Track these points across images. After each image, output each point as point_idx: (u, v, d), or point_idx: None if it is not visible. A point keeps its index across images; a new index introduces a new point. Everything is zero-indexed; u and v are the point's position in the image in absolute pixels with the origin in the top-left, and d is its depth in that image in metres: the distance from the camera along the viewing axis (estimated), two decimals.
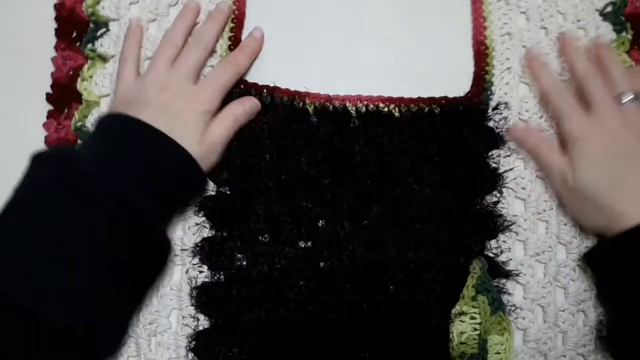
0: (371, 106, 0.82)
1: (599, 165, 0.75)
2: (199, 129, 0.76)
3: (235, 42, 0.85)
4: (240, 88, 0.83)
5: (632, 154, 0.75)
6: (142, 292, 0.74)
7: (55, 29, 0.85)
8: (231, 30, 0.86)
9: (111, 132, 0.72)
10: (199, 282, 0.78)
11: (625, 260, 0.73)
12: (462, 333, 0.74)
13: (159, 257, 0.72)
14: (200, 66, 0.81)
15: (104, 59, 0.84)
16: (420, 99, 0.82)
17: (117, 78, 0.80)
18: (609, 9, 0.86)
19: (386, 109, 0.82)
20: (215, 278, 0.78)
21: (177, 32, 0.82)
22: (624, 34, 0.86)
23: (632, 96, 0.76)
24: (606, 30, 0.85)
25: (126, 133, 0.72)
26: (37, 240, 0.62)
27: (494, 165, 0.81)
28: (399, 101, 0.82)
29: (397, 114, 0.82)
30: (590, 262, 0.78)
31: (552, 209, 0.81)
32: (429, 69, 0.85)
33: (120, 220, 0.65)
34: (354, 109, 0.82)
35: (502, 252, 0.79)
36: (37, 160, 0.68)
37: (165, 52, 0.80)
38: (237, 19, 0.86)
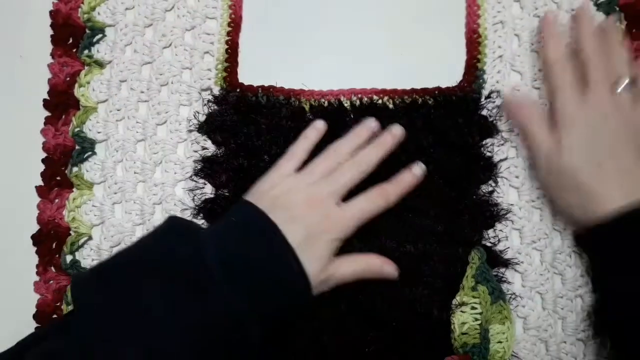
0: (365, 99, 0.83)
1: (584, 145, 0.75)
2: (327, 255, 0.71)
3: (232, 45, 0.86)
4: (236, 92, 0.84)
5: (617, 139, 0.75)
6: None
7: (51, 36, 0.86)
8: (228, 34, 0.86)
9: (246, 228, 0.70)
10: None
11: (611, 245, 0.74)
12: (463, 324, 0.75)
13: None
14: (351, 187, 0.75)
15: (100, 64, 0.85)
16: (413, 90, 0.83)
17: (275, 166, 0.77)
18: None
19: (380, 101, 0.83)
20: None
21: (349, 144, 0.79)
22: (617, 23, 0.85)
23: (627, 82, 0.76)
24: (600, 20, 0.85)
25: (258, 235, 0.69)
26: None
27: (488, 154, 0.81)
28: (392, 93, 0.83)
29: (391, 105, 0.83)
30: (580, 243, 0.78)
31: (545, 196, 0.81)
32: (422, 59, 0.86)
33: (221, 327, 0.64)
34: (348, 103, 0.82)
35: (499, 241, 0.80)
36: (172, 228, 0.70)
37: (326, 162, 0.77)
38: (234, 23, 0.87)
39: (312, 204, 0.72)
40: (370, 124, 0.78)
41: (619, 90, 0.76)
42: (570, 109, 0.76)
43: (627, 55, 0.78)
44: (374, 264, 0.75)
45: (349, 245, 0.76)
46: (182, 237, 0.67)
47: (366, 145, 0.77)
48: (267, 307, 0.66)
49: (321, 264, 0.70)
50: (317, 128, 0.79)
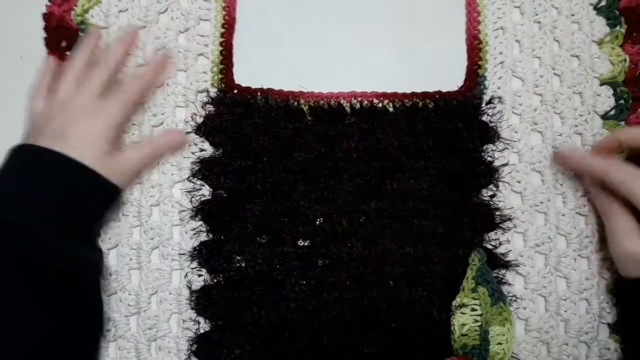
0: (365, 102, 0.85)
1: None
2: (100, 143, 0.76)
3: (226, 46, 0.88)
4: (233, 93, 0.86)
5: None
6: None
7: (45, 39, 0.88)
8: (222, 35, 0.89)
9: (10, 164, 0.74)
10: (197, 286, 0.82)
11: None
12: (463, 325, 0.77)
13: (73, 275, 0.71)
14: (104, 84, 0.81)
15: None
16: (414, 93, 0.86)
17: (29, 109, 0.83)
18: (603, 3, 0.90)
19: (380, 105, 0.85)
20: (215, 281, 0.81)
21: (78, 57, 0.84)
22: (617, 28, 0.89)
23: None
24: (600, 24, 0.89)
25: (22, 163, 0.73)
26: None
27: (488, 159, 0.84)
28: (393, 96, 0.86)
29: (391, 109, 0.85)
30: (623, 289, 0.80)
31: (549, 200, 0.84)
32: (423, 64, 0.89)
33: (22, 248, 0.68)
34: (348, 105, 0.85)
35: (500, 244, 0.83)
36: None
37: (69, 76, 0.81)
38: (228, 24, 0.89)
39: (67, 108, 0.78)
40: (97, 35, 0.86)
41: None
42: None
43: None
44: (157, 142, 0.83)
45: (349, 245, 0.80)
46: None
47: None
48: (55, 209, 0.70)
49: (96, 151, 0.75)
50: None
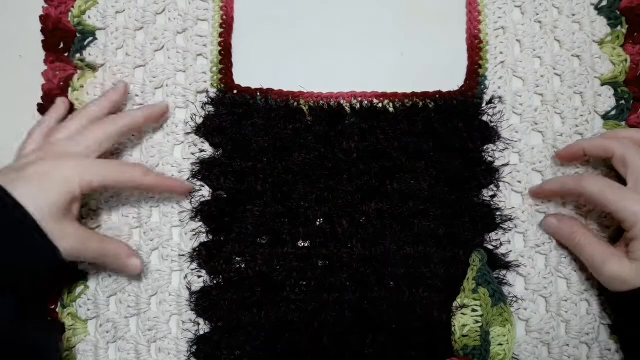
0: (365, 102, 0.86)
1: None
2: (56, 199, 0.70)
3: (225, 46, 0.88)
4: (232, 93, 0.86)
5: None
6: None
7: (42, 41, 0.88)
8: (220, 35, 0.89)
9: None
10: (196, 287, 0.82)
11: None
12: (463, 326, 0.77)
13: None
14: (96, 145, 0.77)
15: (93, 67, 0.88)
16: (414, 93, 0.86)
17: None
18: (604, 3, 0.91)
19: (380, 105, 0.86)
20: (215, 282, 0.81)
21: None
22: (618, 27, 0.90)
23: None
24: (601, 24, 0.90)
25: None
26: None
27: (489, 158, 0.84)
28: (393, 96, 0.86)
29: (391, 109, 0.86)
30: (616, 301, 0.79)
31: (549, 200, 0.84)
32: (423, 64, 0.89)
33: None
34: (348, 105, 0.85)
35: (501, 244, 0.83)
36: None
37: (63, 132, 0.78)
38: (226, 23, 0.90)
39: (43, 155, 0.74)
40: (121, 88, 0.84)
41: None
42: (633, 208, 0.74)
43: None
44: (114, 251, 0.77)
45: (351, 246, 0.80)
46: None
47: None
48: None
49: (51, 210, 0.69)
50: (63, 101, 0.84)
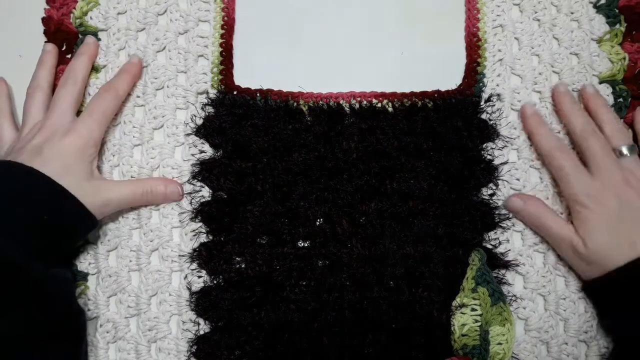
0: (365, 102, 0.85)
1: (609, 229, 0.75)
2: (81, 166, 0.75)
3: (226, 48, 0.87)
4: (233, 94, 0.85)
5: (637, 211, 0.75)
6: None
7: (45, 42, 0.87)
8: (221, 36, 0.88)
9: None
10: (197, 287, 0.80)
11: (630, 291, 0.74)
12: (463, 325, 0.76)
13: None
14: (75, 101, 0.80)
15: (95, 69, 0.86)
16: (413, 93, 0.85)
17: None
18: (603, 1, 0.90)
19: (379, 105, 0.85)
20: (215, 282, 0.80)
21: (40, 76, 0.83)
22: (617, 26, 0.88)
23: (628, 150, 0.79)
24: (599, 23, 0.88)
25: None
26: None
27: (488, 157, 0.83)
28: (392, 96, 0.85)
29: (390, 109, 0.84)
30: (592, 292, 0.80)
31: (547, 198, 0.83)
32: (421, 62, 0.88)
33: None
34: (347, 105, 0.84)
35: (500, 243, 0.82)
36: None
37: (33, 99, 0.81)
38: (227, 25, 0.88)
39: (43, 131, 0.76)
40: (48, 48, 0.85)
41: (622, 155, 0.79)
42: (584, 191, 0.77)
43: (618, 121, 0.82)
44: (154, 184, 0.81)
45: (350, 246, 0.79)
46: None
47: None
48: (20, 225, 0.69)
49: (78, 175, 0.74)
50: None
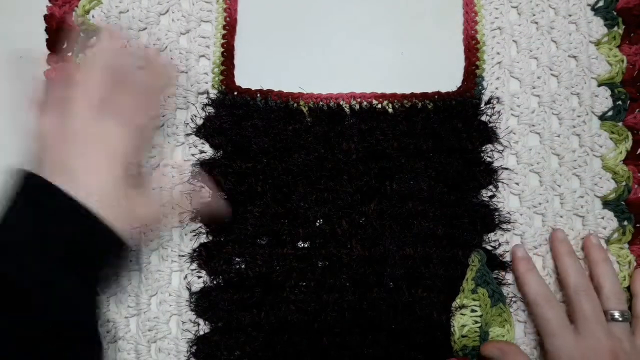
0: (365, 103, 0.83)
1: None
2: (108, 181, 0.65)
3: (227, 48, 0.85)
4: (233, 95, 0.83)
5: None
6: None
7: (46, 40, 0.85)
8: (223, 37, 0.85)
9: (16, 199, 0.63)
10: (196, 287, 0.78)
11: None
12: (463, 326, 0.74)
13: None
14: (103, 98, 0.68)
15: None
16: (413, 94, 0.83)
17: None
18: (601, 3, 0.87)
19: (380, 106, 0.82)
20: (215, 282, 0.78)
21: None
22: (615, 28, 0.86)
23: (620, 315, 0.73)
24: (597, 25, 0.86)
25: (26, 199, 0.63)
26: None
27: (488, 159, 0.81)
28: (392, 97, 0.83)
29: (390, 110, 0.82)
30: None
31: (547, 201, 0.81)
32: (421, 64, 0.86)
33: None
34: (347, 106, 0.82)
35: (499, 244, 0.80)
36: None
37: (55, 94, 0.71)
38: (229, 25, 0.86)
39: (65, 133, 0.67)
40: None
41: (612, 319, 0.73)
42: (566, 352, 0.71)
43: (617, 281, 0.76)
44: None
45: (349, 246, 0.77)
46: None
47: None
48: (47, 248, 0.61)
49: (105, 189, 0.64)
50: None
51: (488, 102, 0.82)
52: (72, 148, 0.65)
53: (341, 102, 0.82)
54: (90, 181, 0.64)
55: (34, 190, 0.63)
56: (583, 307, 0.73)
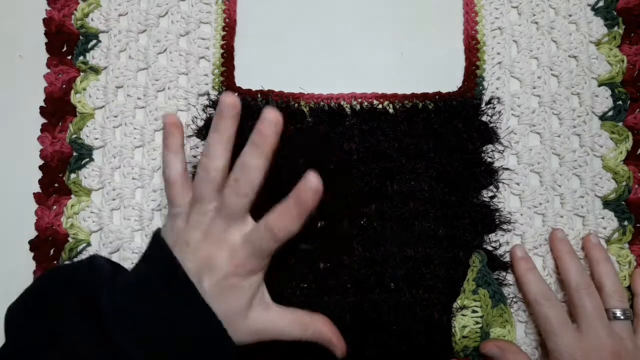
0: (365, 103, 0.82)
1: None
2: (245, 296, 0.63)
3: (227, 49, 0.85)
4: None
5: None
6: None
7: (46, 43, 0.85)
8: (223, 38, 0.85)
9: (151, 269, 0.63)
10: None
11: None
12: (464, 327, 0.74)
13: None
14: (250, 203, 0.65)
15: (96, 70, 0.84)
16: (414, 94, 0.82)
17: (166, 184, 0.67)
18: (601, 3, 0.87)
19: (380, 106, 0.82)
20: None
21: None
22: (615, 28, 0.86)
23: (622, 314, 0.73)
24: (598, 25, 0.86)
25: (162, 284, 0.61)
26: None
27: (488, 159, 0.81)
28: (393, 98, 0.82)
29: (391, 110, 0.82)
30: None
31: (548, 201, 0.81)
32: (422, 64, 0.86)
33: None
34: (348, 107, 0.82)
35: (500, 245, 0.79)
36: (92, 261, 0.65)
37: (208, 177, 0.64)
38: (228, 26, 0.86)
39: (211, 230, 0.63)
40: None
41: (613, 317, 0.73)
42: (568, 350, 0.70)
43: (618, 279, 0.76)
44: (319, 336, 0.67)
45: (350, 249, 0.77)
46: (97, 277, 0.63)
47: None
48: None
49: (238, 309, 0.62)
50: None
51: (488, 102, 0.82)
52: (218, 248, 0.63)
53: (342, 103, 0.81)
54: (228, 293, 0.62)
55: (171, 278, 0.61)
56: (585, 305, 0.72)
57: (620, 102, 0.83)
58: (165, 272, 0.62)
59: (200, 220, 0.63)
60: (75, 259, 0.78)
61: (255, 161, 0.62)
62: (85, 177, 0.80)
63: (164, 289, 0.61)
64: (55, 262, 0.79)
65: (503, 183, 0.80)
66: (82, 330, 0.58)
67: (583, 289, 0.73)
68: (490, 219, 0.79)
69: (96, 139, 0.81)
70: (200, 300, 0.60)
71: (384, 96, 0.82)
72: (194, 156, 0.80)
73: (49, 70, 0.83)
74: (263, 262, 0.64)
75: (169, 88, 0.82)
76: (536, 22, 0.85)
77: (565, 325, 0.72)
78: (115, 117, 0.81)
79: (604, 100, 0.83)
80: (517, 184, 0.80)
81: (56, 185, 0.80)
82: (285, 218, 0.61)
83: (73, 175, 0.80)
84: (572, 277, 0.75)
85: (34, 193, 0.80)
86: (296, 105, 0.81)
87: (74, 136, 0.81)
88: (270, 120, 0.62)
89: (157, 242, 0.64)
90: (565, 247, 0.78)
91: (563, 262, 0.77)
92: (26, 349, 0.59)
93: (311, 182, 0.60)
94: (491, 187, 0.80)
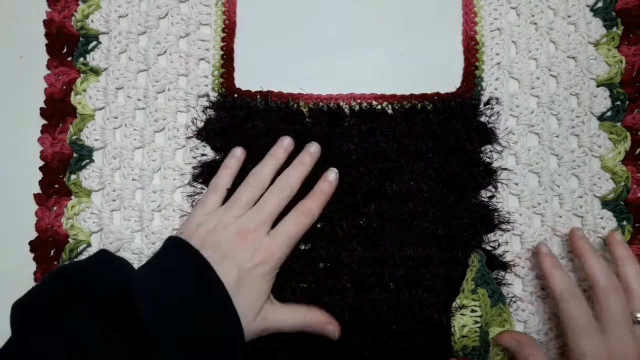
0: (364, 104, 0.82)
1: None
2: (263, 292, 0.70)
3: (227, 51, 0.85)
4: (234, 97, 0.83)
5: None
6: None
7: (46, 45, 0.85)
8: (222, 39, 0.85)
9: (176, 266, 0.67)
10: None
11: None
12: (463, 326, 0.74)
13: None
14: (278, 213, 0.74)
15: (96, 72, 0.84)
16: (412, 95, 0.83)
17: (200, 201, 0.76)
18: (600, 4, 0.87)
19: (379, 107, 0.82)
20: None
21: (265, 172, 0.76)
22: (614, 29, 0.86)
23: None
24: (596, 26, 0.86)
25: (191, 276, 0.66)
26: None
27: (487, 159, 0.81)
28: (391, 98, 0.83)
29: (390, 111, 0.82)
30: None
31: (546, 201, 0.81)
32: (421, 65, 0.86)
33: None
34: (347, 107, 0.82)
35: (499, 245, 0.80)
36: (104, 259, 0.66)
37: (247, 192, 0.74)
38: (228, 28, 0.86)
39: (241, 238, 0.71)
40: (285, 142, 0.79)
41: (637, 323, 0.71)
42: (591, 351, 0.68)
43: None
44: (316, 321, 0.74)
45: (351, 248, 0.77)
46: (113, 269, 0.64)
47: (285, 166, 0.78)
48: (194, 353, 0.62)
49: (257, 305, 0.69)
50: (236, 156, 0.79)
51: (487, 102, 0.82)
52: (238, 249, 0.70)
53: (341, 103, 0.82)
54: (249, 287, 0.68)
55: (193, 267, 0.67)
56: (611, 307, 0.70)
57: (618, 103, 0.83)
58: (196, 277, 0.66)
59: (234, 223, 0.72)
60: (75, 260, 0.78)
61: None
62: (85, 178, 0.80)
63: (199, 292, 0.65)
64: (55, 262, 0.79)
65: (502, 183, 0.80)
66: (105, 332, 0.58)
67: (612, 289, 0.71)
68: (489, 219, 0.79)
69: (96, 140, 0.81)
70: (231, 305, 0.65)
71: (382, 97, 0.82)
72: (194, 157, 0.80)
73: (49, 72, 0.83)
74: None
75: (169, 89, 0.82)
76: (535, 23, 0.86)
77: (590, 325, 0.70)
78: (115, 118, 0.82)
79: (603, 101, 0.83)
80: (516, 184, 0.81)
81: (56, 186, 0.81)
82: (313, 201, 0.74)
83: (73, 176, 0.80)
84: (600, 277, 0.72)
85: (34, 194, 0.80)
86: (295, 105, 0.81)
87: (74, 137, 0.81)
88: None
89: (183, 245, 0.69)
90: (588, 246, 0.76)
91: (587, 261, 0.74)
92: (35, 348, 0.59)
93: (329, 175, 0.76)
94: (490, 187, 0.80)
